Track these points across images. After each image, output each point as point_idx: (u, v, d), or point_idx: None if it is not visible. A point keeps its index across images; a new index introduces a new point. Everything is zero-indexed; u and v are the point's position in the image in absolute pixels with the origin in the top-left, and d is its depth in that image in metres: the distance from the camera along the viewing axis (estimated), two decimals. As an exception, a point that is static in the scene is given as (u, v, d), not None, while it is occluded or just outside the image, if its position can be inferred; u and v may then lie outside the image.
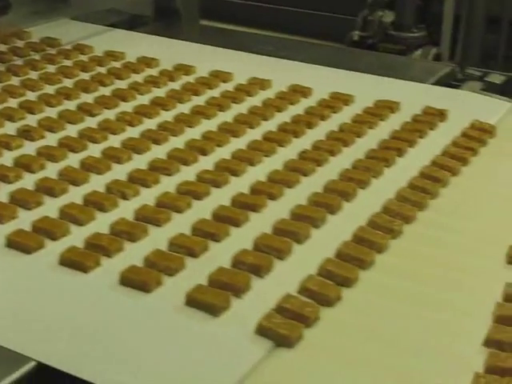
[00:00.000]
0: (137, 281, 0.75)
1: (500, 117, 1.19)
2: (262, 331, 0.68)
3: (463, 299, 0.76)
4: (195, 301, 0.72)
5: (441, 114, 1.16)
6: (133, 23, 1.61)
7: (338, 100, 1.21)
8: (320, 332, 0.70)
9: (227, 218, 0.86)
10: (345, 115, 1.16)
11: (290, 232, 0.83)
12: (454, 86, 1.34)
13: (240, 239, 0.84)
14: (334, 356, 0.68)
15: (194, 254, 0.81)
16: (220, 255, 0.81)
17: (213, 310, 0.71)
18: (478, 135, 1.10)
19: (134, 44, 1.47)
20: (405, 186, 0.95)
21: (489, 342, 0.69)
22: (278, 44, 1.53)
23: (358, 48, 1.80)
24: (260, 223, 0.87)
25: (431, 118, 1.15)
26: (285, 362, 0.67)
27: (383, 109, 1.18)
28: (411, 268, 0.81)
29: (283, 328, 0.68)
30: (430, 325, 0.72)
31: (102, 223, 0.86)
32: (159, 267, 0.77)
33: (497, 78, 1.37)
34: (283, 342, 0.68)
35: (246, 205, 0.89)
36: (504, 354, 0.67)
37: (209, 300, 0.72)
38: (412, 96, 1.24)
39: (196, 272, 0.78)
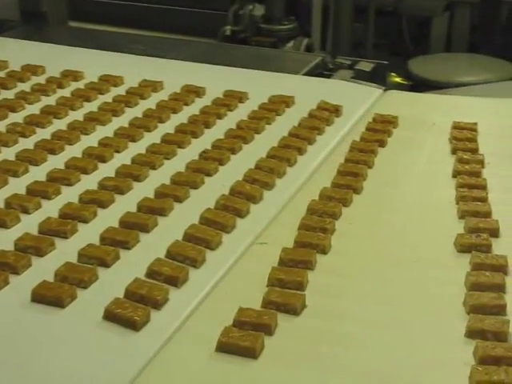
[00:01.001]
0: (50, 297, 0.73)
1: (372, 102, 1.22)
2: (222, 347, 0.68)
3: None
4: (113, 315, 0.70)
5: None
6: None
7: (232, 97, 1.20)
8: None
9: (135, 225, 0.85)
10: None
11: (202, 239, 0.82)
12: (325, 76, 1.37)
13: (151, 246, 0.82)
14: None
15: (106, 264, 0.78)
16: (133, 263, 0.79)
17: (132, 324, 0.70)
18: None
19: (13, 50, 1.42)
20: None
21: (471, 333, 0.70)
22: (151, 43, 1.54)
23: (231, 42, 1.81)
24: (169, 228, 0.85)
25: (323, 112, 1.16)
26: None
27: (279, 104, 1.18)
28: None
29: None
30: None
31: (4, 240, 0.83)
32: (71, 281, 0.75)
33: (366, 65, 1.41)
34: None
35: (152, 209, 0.88)
36: (491, 343, 0.68)
37: (128, 315, 0.70)
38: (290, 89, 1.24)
39: (111, 283, 0.76)
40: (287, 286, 0.75)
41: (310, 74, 1.37)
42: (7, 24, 1.62)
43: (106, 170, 0.98)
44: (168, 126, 1.11)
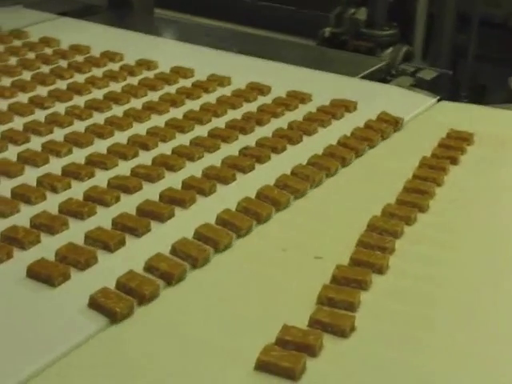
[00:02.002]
0: (42, 274, 0.74)
1: (419, 111, 1.18)
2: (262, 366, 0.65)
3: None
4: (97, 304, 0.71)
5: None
6: (85, 12, 1.61)
7: (294, 98, 1.19)
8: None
9: (151, 213, 0.85)
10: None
11: (210, 239, 0.81)
12: (384, 81, 1.34)
13: (160, 238, 0.82)
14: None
15: (109, 249, 0.79)
16: (136, 253, 0.79)
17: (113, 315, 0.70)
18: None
19: (96, 36, 1.46)
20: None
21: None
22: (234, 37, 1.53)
23: (330, 45, 1.79)
24: (184, 221, 0.85)
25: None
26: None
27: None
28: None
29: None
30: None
31: (24, 216, 0.84)
32: (69, 261, 0.76)
33: (428, 73, 1.36)
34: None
35: (173, 200, 0.88)
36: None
37: (110, 305, 0.70)
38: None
39: (109, 269, 0.76)
40: (337, 306, 0.71)
41: (367, 77, 1.33)
42: (94, 9, 1.66)
43: (146, 157, 0.99)
44: (221, 121, 1.11)
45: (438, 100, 1.23)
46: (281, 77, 1.28)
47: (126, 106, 1.14)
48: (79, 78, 1.25)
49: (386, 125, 1.10)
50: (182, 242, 0.79)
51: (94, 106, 1.13)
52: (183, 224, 0.84)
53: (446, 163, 1.01)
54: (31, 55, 1.34)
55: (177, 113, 1.13)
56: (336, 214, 0.89)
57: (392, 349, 0.68)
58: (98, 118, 1.10)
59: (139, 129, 1.07)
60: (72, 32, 1.47)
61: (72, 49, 1.37)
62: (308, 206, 0.91)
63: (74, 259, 0.76)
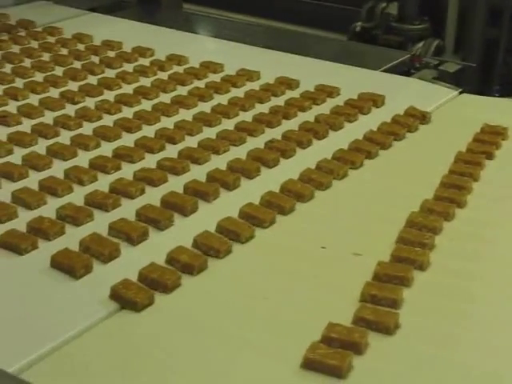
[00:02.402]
0: (65, 265, 0.75)
1: (440, 103, 1.19)
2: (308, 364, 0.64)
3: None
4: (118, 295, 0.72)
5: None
6: (114, 8, 1.63)
7: (322, 92, 1.19)
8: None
9: (174, 205, 0.86)
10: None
11: (232, 231, 0.82)
12: (407, 74, 1.34)
13: (183, 230, 0.83)
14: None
15: (132, 241, 0.80)
16: (159, 246, 0.80)
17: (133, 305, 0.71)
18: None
19: (128, 32, 1.47)
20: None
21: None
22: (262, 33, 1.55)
23: (360, 39, 1.79)
24: (207, 215, 0.86)
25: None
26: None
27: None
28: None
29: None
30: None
31: (51, 208, 0.86)
32: (93, 252, 0.77)
33: (451, 66, 1.35)
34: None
35: (197, 192, 0.89)
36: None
37: (130, 296, 0.71)
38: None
39: (131, 262, 0.77)
40: (381, 303, 0.71)
41: (390, 70, 1.34)
42: (123, 5, 1.68)
43: (172, 151, 1.00)
44: (248, 115, 1.11)
45: (461, 92, 1.22)
46: (309, 71, 1.28)
47: (155, 101, 1.16)
48: (110, 74, 1.26)
49: (413, 119, 1.10)
50: (204, 235, 0.80)
51: (123, 101, 1.15)
52: (206, 218, 0.85)
53: (481, 158, 1.00)
54: (64, 51, 1.36)
55: (205, 107, 1.14)
56: (372, 210, 0.89)
57: (436, 346, 0.67)
58: (127, 113, 1.11)
59: (167, 123, 1.08)
60: (104, 27, 1.49)
61: (104, 44, 1.38)
62: (340, 201, 0.91)
63: (98, 251, 0.77)
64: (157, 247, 0.79)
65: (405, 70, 1.37)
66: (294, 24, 1.84)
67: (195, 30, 1.52)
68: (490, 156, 1.02)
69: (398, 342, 0.67)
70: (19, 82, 1.21)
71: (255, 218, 0.84)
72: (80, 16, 1.57)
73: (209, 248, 0.79)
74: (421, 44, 1.75)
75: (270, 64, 1.31)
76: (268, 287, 0.74)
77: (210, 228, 0.82)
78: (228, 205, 0.88)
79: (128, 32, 1.47)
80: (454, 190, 0.92)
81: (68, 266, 0.75)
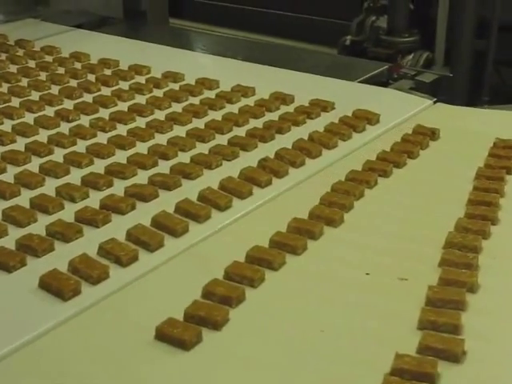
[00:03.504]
0: (53, 287, 0.75)
1: (414, 112, 1.20)
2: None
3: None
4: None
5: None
6: (100, 24, 1.64)
7: (317, 106, 1.19)
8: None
9: (165, 227, 0.85)
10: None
11: (263, 259, 0.80)
12: (384, 84, 1.36)
13: (173, 252, 0.83)
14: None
15: (121, 263, 0.80)
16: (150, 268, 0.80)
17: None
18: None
19: (123, 49, 1.48)
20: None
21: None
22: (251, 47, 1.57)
23: (350, 53, 1.79)
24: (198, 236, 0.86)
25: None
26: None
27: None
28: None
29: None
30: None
31: (41, 225, 0.86)
32: (81, 273, 0.77)
33: (427, 76, 1.38)
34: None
35: (188, 213, 0.88)
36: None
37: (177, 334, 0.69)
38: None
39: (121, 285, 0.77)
40: (441, 329, 0.69)
41: (368, 81, 1.35)
42: (109, 21, 1.69)
43: (165, 166, 1.00)
44: (242, 130, 1.11)
45: (435, 102, 1.24)
46: (302, 86, 1.28)
47: (150, 118, 1.16)
48: (106, 92, 1.27)
49: (423, 136, 1.10)
50: (235, 265, 0.78)
51: (117, 118, 1.15)
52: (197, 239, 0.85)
53: (502, 173, 0.99)
54: (61, 70, 1.36)
55: (199, 123, 1.14)
56: (405, 231, 0.87)
57: (509, 372, 0.66)
58: (121, 130, 1.12)
59: (161, 139, 1.08)
60: (96, 44, 1.50)
61: (101, 62, 1.39)
62: (368, 224, 0.89)
63: (86, 273, 0.77)
64: (147, 268, 0.79)
65: (383, 80, 1.38)
66: (284, 38, 1.84)
67: (188, 46, 1.53)
68: (509, 171, 1.01)
69: (467, 370, 0.65)
70: (15, 101, 1.22)
71: (286, 245, 0.82)
72: (68, 32, 1.58)
73: (242, 277, 0.77)
74: (410, 56, 1.76)
75: (265, 79, 1.31)
76: (320, 318, 0.72)
77: (206, 250, 0.82)
78: (218, 226, 0.88)
79: (122, 49, 1.48)
80: (484, 206, 0.90)
81: (56, 288, 0.75)
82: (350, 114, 1.15)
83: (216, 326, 0.70)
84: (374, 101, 1.22)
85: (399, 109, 1.20)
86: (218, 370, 0.66)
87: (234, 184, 0.95)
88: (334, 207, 0.90)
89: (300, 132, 1.11)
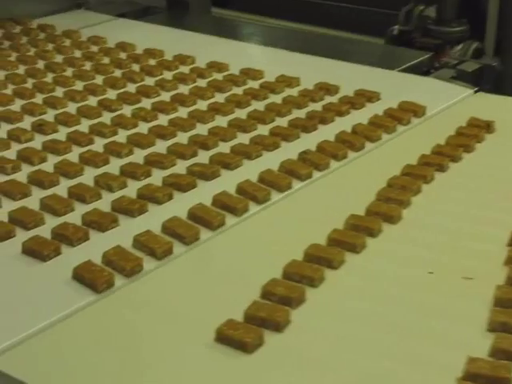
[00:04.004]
0: (87, 279, 0.74)
1: (453, 102, 1.17)
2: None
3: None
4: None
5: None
6: (143, 13, 1.63)
7: (363, 96, 1.17)
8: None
9: (201, 219, 0.84)
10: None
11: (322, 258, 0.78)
12: (425, 74, 1.33)
13: (207, 246, 0.82)
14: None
15: (155, 256, 0.79)
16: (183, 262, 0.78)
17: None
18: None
19: (167, 39, 1.47)
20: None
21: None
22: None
23: (398, 43, 1.75)
24: (232, 229, 0.85)
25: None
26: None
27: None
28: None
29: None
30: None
31: (77, 214, 0.85)
32: (115, 266, 0.76)
33: (470, 66, 1.34)
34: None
35: (225, 206, 0.87)
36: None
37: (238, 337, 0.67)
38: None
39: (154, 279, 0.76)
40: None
41: (408, 70, 1.33)
42: (151, 10, 1.68)
43: (205, 156, 0.99)
44: (283, 120, 1.09)
45: (476, 91, 1.21)
46: (348, 76, 1.26)
47: (192, 108, 1.15)
48: (149, 81, 1.26)
49: (478, 129, 1.07)
50: (293, 264, 0.75)
51: (159, 108, 1.14)
52: (231, 232, 0.84)
53: None
54: (106, 60, 1.36)
55: (241, 113, 1.12)
56: (466, 228, 0.84)
57: None
58: (163, 120, 1.11)
59: (202, 129, 1.07)
60: (139, 33, 1.49)
61: (146, 52, 1.38)
62: (428, 221, 0.86)
63: (120, 265, 0.76)
64: (183, 262, 0.78)
65: (424, 70, 1.35)
66: (331, 28, 1.81)
67: (232, 35, 1.51)
68: None
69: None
70: (59, 91, 1.22)
71: (345, 243, 0.79)
72: (112, 21, 1.59)
73: (301, 277, 0.74)
74: (459, 47, 1.71)
75: (310, 70, 1.29)
76: (385, 319, 0.69)
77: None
78: (260, 222, 0.86)
79: (166, 38, 1.47)
80: None
81: (90, 280, 0.74)
82: (395, 105, 1.12)
83: (278, 327, 0.67)
84: (417, 91, 1.20)
85: (442, 98, 1.18)
86: (282, 372, 0.63)
87: (273, 177, 0.93)
88: (391, 203, 0.87)
89: (344, 123, 1.09)
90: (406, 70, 1.32)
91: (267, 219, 0.86)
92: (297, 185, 0.93)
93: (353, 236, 0.80)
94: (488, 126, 1.08)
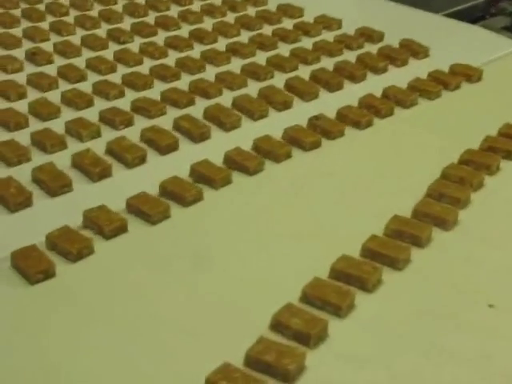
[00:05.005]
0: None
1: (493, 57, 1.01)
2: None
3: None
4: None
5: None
6: None
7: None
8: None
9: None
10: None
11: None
12: (477, 19, 1.19)
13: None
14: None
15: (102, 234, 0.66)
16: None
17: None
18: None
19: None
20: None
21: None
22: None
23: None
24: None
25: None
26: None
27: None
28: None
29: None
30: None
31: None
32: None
33: None
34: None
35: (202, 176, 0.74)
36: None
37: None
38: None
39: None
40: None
41: (458, 14, 1.17)
42: None
43: (201, 107, 0.85)
44: (306, 71, 0.94)
45: None
46: (394, 21, 1.10)
47: (208, 47, 1.02)
48: (173, 11, 1.12)
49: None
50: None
51: (173, 44, 1.02)
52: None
53: None
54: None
55: (261, 57, 0.99)
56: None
57: None
58: (171, 59, 0.98)
59: (210, 73, 0.94)
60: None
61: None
62: (489, 226, 0.70)
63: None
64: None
65: (479, 15, 1.20)
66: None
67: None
68: None
69: None
70: (72, 15, 1.09)
71: (383, 256, 0.63)
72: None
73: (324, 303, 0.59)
74: None
75: (356, 12, 1.13)
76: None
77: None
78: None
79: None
80: None
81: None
82: (445, 66, 0.95)
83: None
84: (458, 42, 1.05)
85: (485, 52, 1.02)
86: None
87: (269, 145, 0.78)
88: (445, 202, 0.70)
89: (377, 81, 0.93)
90: (458, 14, 1.16)
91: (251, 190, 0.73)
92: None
93: (395, 248, 0.64)
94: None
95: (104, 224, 0.66)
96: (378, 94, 0.89)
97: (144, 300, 0.59)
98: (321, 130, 0.81)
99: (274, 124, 0.82)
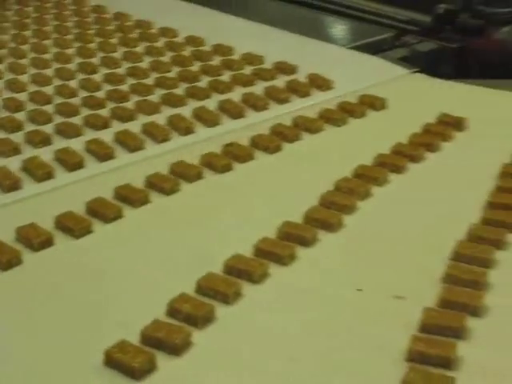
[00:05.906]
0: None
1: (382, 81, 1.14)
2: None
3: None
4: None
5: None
6: None
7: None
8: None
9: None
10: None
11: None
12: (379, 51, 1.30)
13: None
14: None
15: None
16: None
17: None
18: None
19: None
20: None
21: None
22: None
23: (443, 21, 1.66)
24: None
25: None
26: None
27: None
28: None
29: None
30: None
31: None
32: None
33: (425, 46, 1.32)
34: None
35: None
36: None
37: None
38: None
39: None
40: (431, 363, 0.59)
41: (361, 48, 1.31)
42: None
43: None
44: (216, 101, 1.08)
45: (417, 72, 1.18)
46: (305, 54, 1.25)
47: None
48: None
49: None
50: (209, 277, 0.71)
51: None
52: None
53: None
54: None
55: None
56: (408, 238, 0.76)
57: None
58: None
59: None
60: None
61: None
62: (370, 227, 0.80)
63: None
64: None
65: (384, 48, 1.32)
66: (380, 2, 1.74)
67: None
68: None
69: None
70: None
71: (271, 253, 0.73)
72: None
73: (215, 292, 0.69)
74: (506, 29, 1.63)
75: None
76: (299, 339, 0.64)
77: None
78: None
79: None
80: (504, 211, 0.78)
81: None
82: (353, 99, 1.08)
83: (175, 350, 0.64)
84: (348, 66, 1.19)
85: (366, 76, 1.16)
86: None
87: (183, 167, 0.89)
88: (334, 209, 0.80)
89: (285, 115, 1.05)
90: (363, 47, 1.30)
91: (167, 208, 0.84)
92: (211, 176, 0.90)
93: (282, 246, 0.74)
94: (458, 124, 1.00)
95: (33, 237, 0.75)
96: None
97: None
98: (232, 156, 0.92)
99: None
